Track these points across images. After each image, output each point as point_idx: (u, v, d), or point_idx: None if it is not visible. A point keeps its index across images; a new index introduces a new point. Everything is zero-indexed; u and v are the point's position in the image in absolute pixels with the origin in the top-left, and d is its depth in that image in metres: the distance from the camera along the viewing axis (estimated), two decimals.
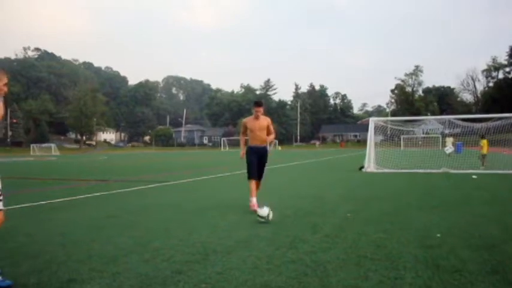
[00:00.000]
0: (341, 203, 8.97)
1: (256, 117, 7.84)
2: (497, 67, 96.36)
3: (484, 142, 19.22)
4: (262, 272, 4.17)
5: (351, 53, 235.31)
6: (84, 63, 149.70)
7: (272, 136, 8.06)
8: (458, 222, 6.54)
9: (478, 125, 21.69)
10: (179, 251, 4.98)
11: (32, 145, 77.29)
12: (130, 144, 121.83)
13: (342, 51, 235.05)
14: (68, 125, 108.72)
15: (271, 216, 6.63)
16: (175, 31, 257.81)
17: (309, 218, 7.16)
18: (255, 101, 8.20)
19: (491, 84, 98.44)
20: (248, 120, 8.01)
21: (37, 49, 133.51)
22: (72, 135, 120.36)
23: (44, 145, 79.94)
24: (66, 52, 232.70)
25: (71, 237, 5.81)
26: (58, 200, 9.98)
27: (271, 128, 8.04)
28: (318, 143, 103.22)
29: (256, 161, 7.84)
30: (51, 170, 24.45)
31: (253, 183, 7.85)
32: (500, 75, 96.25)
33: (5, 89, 3.90)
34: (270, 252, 4.91)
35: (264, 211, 6.62)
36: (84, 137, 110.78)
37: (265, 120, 7.94)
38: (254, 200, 7.74)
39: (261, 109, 7.83)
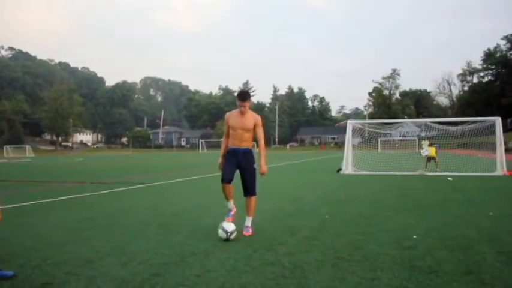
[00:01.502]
0: (319, 204, 9.02)
1: (241, 113, 5.97)
2: (472, 71, 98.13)
3: (432, 148, 19.84)
4: (240, 274, 4.16)
5: (330, 56, 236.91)
6: (60, 63, 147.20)
7: (262, 142, 6.09)
8: (434, 224, 6.63)
9: (453, 128, 22.04)
10: (157, 254, 4.94)
11: (5, 146, 75.74)
12: (95, 146, 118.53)
13: (321, 54, 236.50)
14: (43, 126, 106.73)
15: (233, 236, 5.61)
16: (154, 32, 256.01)
17: (287, 220, 7.19)
18: (238, 92, 6.14)
19: (466, 88, 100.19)
20: (231, 115, 6.12)
21: (11, 48, 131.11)
22: (47, 137, 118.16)
23: (18, 146, 78.40)
24: (41, 52, 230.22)
25: (45, 241, 5.71)
26: (32, 202, 9.79)
27: (260, 130, 6.09)
28: (289, 145, 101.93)
29: (235, 164, 5.98)
30: (26, 172, 24.00)
31: (227, 188, 6.00)
32: (475, 80, 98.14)
33: None
34: (248, 254, 4.91)
35: (230, 227, 5.66)
36: (60, 139, 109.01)
37: (252, 118, 6.01)
38: (231, 203, 6.13)
39: (247, 103, 5.91)
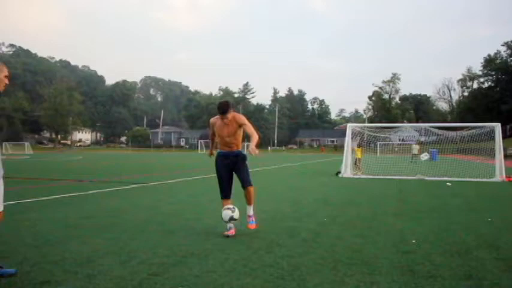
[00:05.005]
0: (318, 207, 9.03)
1: (225, 123, 6.02)
2: (472, 77, 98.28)
3: (359, 150, 20.74)
4: (239, 275, 4.17)
5: (330, 59, 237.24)
6: (61, 61, 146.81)
7: (254, 137, 5.85)
8: (433, 229, 6.64)
9: (452, 133, 22.06)
10: (156, 253, 4.94)
11: (4, 143, 75.52)
12: (78, 144, 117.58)
13: (322, 57, 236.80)
14: (43, 123, 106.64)
15: (236, 213, 5.92)
16: (154, 31, 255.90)
17: (286, 222, 7.19)
18: (217, 105, 6.06)
19: (466, 94, 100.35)
20: (216, 122, 6.17)
21: (12, 45, 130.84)
22: (46, 134, 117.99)
23: (17, 143, 78.20)
24: (42, 49, 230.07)
25: (44, 238, 5.71)
26: (31, 199, 9.80)
27: (248, 128, 6.02)
28: (270, 148, 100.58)
29: (228, 172, 6.13)
30: (25, 169, 23.96)
31: (227, 204, 6.09)
32: (475, 85, 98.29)
33: (6, 80, 4.01)
34: (247, 255, 4.91)
35: (226, 214, 5.94)
36: (59, 136, 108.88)
37: (234, 122, 6.01)
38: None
39: (228, 115, 5.93)
